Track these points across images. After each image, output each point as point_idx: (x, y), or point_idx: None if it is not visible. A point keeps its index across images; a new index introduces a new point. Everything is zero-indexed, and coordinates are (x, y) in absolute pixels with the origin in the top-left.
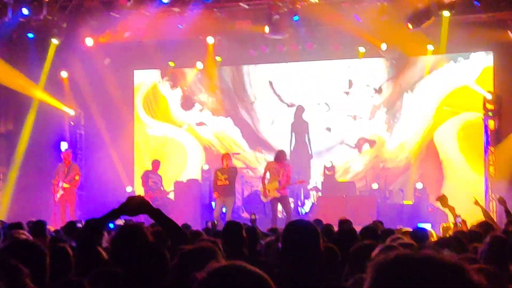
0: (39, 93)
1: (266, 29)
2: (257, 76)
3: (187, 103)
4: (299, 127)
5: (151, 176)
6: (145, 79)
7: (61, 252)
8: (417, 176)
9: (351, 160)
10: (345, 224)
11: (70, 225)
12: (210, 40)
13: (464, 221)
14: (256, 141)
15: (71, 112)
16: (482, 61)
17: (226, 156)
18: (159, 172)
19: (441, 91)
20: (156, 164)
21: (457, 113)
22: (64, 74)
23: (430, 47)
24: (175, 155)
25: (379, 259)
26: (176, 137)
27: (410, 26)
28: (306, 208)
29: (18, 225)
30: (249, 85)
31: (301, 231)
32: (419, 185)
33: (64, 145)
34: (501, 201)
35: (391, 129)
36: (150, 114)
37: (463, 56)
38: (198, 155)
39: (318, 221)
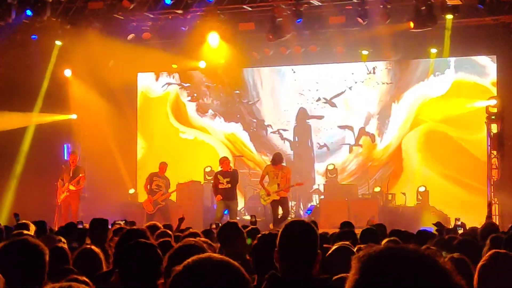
0: (35, 118)
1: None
2: (260, 79)
3: (201, 108)
4: (302, 131)
5: (156, 179)
6: (170, 87)
7: (59, 252)
8: (388, 173)
9: (347, 161)
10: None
11: (70, 226)
12: (213, 41)
13: (463, 224)
14: (261, 144)
15: (73, 116)
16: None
17: (226, 160)
18: (166, 174)
19: (423, 99)
20: (163, 166)
21: (424, 121)
22: (67, 74)
23: (433, 50)
24: (207, 157)
25: (361, 253)
26: (206, 140)
27: (411, 25)
28: (308, 210)
29: (24, 226)
30: (252, 88)
31: (298, 230)
32: (422, 189)
33: (67, 147)
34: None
35: (382, 134)
36: (178, 120)
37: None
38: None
39: (313, 223)
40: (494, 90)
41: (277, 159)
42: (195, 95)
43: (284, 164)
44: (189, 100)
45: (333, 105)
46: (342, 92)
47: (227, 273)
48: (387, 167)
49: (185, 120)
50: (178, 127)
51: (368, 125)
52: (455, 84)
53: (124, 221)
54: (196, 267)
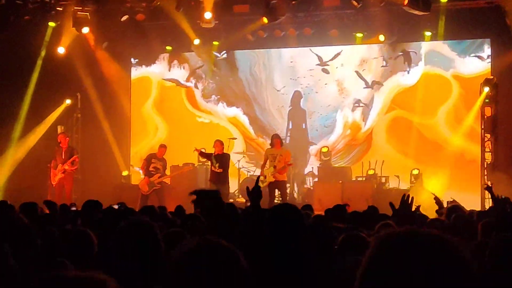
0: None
1: (265, 20)
2: (255, 62)
3: (205, 94)
4: (297, 114)
5: (154, 161)
6: (181, 75)
7: (51, 236)
8: (361, 151)
9: (336, 142)
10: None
11: (64, 209)
12: (207, 23)
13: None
14: (258, 127)
15: (67, 101)
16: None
17: (217, 143)
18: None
19: (399, 87)
20: (162, 149)
21: (393, 108)
22: (60, 56)
23: (428, 34)
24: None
25: (380, 234)
26: (221, 123)
27: (405, 1)
28: (301, 193)
29: (3, 204)
30: (248, 70)
31: (283, 214)
32: (415, 171)
33: (60, 128)
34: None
35: (365, 119)
36: (192, 105)
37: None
38: (239, 138)
39: (307, 206)
40: (453, 83)
41: (274, 141)
42: (192, 78)
43: (284, 146)
44: (191, 83)
45: (326, 71)
46: (338, 54)
47: (217, 252)
48: (361, 146)
49: (196, 105)
50: (194, 112)
51: (355, 111)
52: (423, 75)
53: (119, 205)
54: (197, 252)
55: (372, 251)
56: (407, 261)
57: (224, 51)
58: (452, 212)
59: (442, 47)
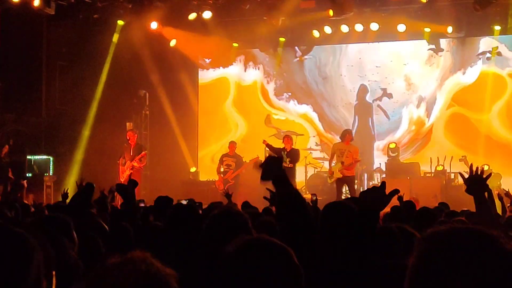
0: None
1: (331, 12)
2: (323, 58)
3: (277, 92)
4: (363, 109)
5: (226, 159)
6: (256, 75)
7: (122, 230)
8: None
9: (401, 137)
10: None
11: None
12: (273, 19)
13: None
14: (327, 123)
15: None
16: None
17: (286, 139)
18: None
19: (460, 85)
20: (232, 146)
21: (452, 105)
22: (129, 53)
23: (497, 28)
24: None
25: (425, 233)
26: (296, 120)
27: (477, 8)
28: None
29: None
30: (315, 67)
31: (335, 212)
32: (486, 167)
33: (128, 125)
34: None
35: (429, 116)
36: (267, 103)
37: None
38: (312, 133)
39: None
40: (509, 81)
41: (344, 135)
42: (264, 76)
43: (352, 142)
44: (264, 82)
45: (390, 96)
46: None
47: (277, 256)
48: (421, 140)
49: (271, 103)
50: (270, 110)
51: (420, 107)
52: (481, 73)
53: (187, 201)
54: (249, 248)
55: (417, 251)
56: (451, 259)
57: (311, 55)
58: None
59: (500, 46)
